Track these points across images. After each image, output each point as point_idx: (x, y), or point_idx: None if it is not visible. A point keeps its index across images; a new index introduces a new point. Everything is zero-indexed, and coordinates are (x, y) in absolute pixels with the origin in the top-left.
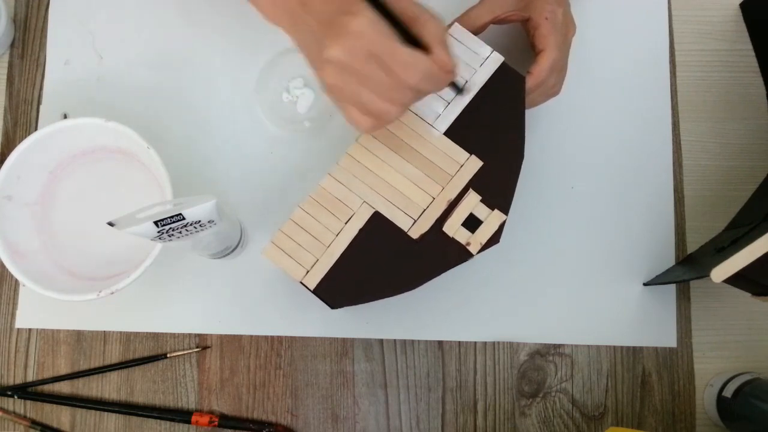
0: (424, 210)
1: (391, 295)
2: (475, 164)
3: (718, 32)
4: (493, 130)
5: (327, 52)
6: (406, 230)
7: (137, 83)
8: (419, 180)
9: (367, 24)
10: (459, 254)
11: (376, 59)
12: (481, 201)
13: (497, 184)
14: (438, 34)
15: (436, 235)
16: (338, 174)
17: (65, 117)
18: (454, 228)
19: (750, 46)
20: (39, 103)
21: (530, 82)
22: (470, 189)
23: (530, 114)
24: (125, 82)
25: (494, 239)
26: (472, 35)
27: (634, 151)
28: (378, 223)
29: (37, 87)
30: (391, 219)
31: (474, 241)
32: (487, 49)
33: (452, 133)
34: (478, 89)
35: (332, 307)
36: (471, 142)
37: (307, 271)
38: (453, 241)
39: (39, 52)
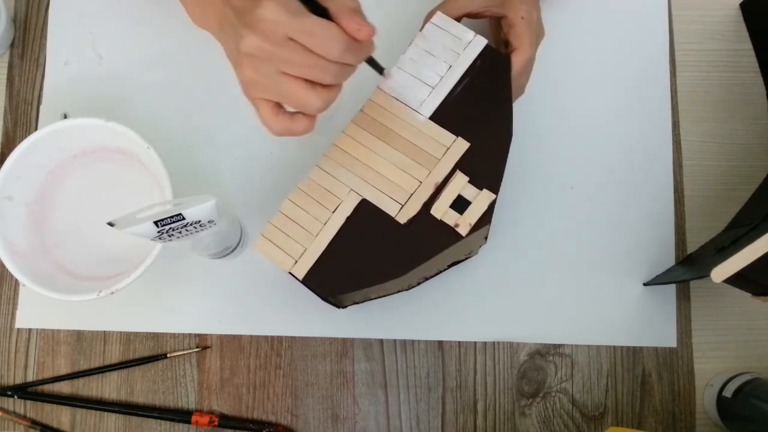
0: (411, 194)
1: (382, 282)
2: (461, 146)
3: (718, 32)
4: (480, 112)
5: (242, 44)
6: (393, 215)
7: (137, 83)
8: (406, 165)
9: (277, 8)
10: (448, 237)
11: (293, 42)
12: (469, 182)
13: (486, 164)
14: (348, 5)
15: (424, 219)
16: (325, 164)
17: (65, 117)
18: (441, 210)
19: (750, 46)
20: (39, 103)
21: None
22: (458, 170)
23: (530, 114)
24: (125, 82)
25: (485, 220)
26: (455, 21)
27: (634, 151)
28: (366, 211)
29: (37, 87)
30: (378, 205)
31: (463, 222)
32: (470, 34)
33: (438, 117)
34: (463, 72)
35: (322, 297)
36: (457, 124)
37: (296, 261)
38: (441, 224)
39: (39, 52)
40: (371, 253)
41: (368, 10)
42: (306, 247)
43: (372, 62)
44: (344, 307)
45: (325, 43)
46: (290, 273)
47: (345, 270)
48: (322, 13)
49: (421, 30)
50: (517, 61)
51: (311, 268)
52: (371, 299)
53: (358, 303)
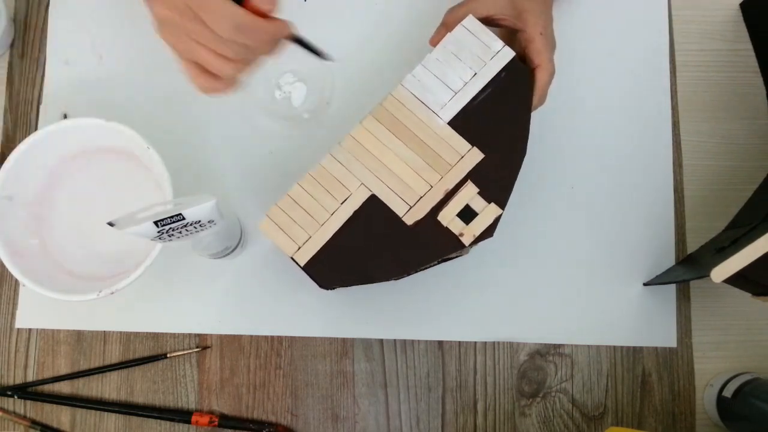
0: (421, 197)
1: (382, 281)
2: (476, 156)
3: (718, 32)
4: (498, 124)
5: (153, 11)
6: (401, 216)
7: (137, 83)
8: (419, 167)
9: None
10: (451, 244)
11: (192, 12)
12: (478, 193)
13: (496, 178)
14: None
15: (430, 224)
16: (339, 154)
17: (65, 117)
18: (448, 218)
19: (750, 46)
20: (39, 103)
21: (535, 100)
22: (469, 180)
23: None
24: (125, 82)
25: (488, 233)
26: (485, 28)
27: (634, 151)
28: (374, 206)
29: (37, 87)
30: (387, 203)
31: (467, 232)
32: (498, 44)
33: (456, 123)
34: (487, 82)
35: (321, 286)
36: (474, 133)
37: (299, 247)
38: (446, 231)
39: (39, 52)
40: (374, 250)
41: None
42: (311, 234)
43: (303, 44)
44: (332, 288)
45: (216, 19)
46: (292, 258)
47: (346, 263)
48: None
49: (441, 25)
50: (541, 77)
51: (313, 257)
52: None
53: (345, 287)
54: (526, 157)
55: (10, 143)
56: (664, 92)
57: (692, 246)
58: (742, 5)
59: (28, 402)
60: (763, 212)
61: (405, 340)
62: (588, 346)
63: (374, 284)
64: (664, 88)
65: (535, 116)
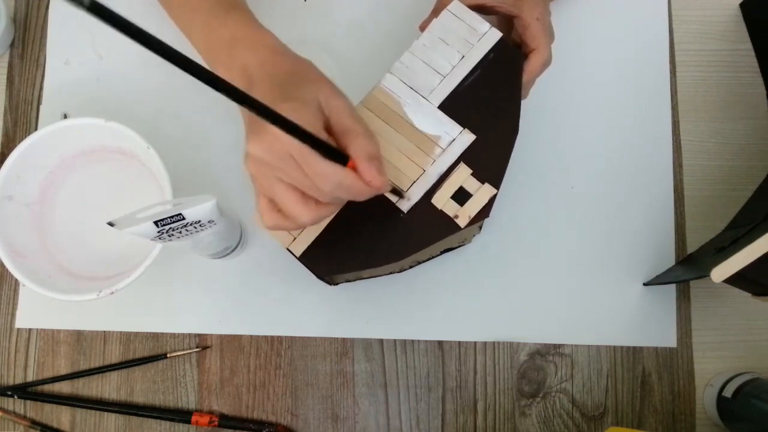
0: (414, 182)
1: (379, 266)
2: (467, 138)
3: (718, 32)
4: (489, 105)
5: (247, 146)
6: (395, 201)
7: (137, 83)
8: (410, 152)
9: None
10: (447, 227)
11: (294, 160)
12: (471, 174)
13: (489, 158)
14: (365, 151)
15: (425, 208)
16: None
17: (65, 117)
18: (442, 201)
19: (750, 46)
20: (39, 103)
21: (524, 79)
22: (461, 162)
23: (530, 113)
24: (125, 82)
25: (484, 213)
26: (471, 11)
27: (634, 151)
28: None
29: (37, 87)
30: None
31: (462, 214)
32: (485, 25)
33: (446, 106)
34: (475, 64)
35: (318, 276)
36: (465, 115)
37: (294, 238)
38: (441, 214)
39: (39, 52)
40: (370, 237)
41: None
42: None
43: (398, 193)
44: (336, 284)
45: (319, 176)
46: (288, 249)
47: (342, 251)
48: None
49: (432, 12)
50: (536, 60)
51: (309, 247)
52: (363, 278)
53: (350, 281)
54: (526, 157)
55: (10, 143)
56: (664, 92)
57: (692, 246)
58: (742, 5)
59: (28, 402)
60: (763, 212)
61: (405, 340)
62: (588, 346)
63: (374, 283)
64: (664, 88)
65: (536, 116)
